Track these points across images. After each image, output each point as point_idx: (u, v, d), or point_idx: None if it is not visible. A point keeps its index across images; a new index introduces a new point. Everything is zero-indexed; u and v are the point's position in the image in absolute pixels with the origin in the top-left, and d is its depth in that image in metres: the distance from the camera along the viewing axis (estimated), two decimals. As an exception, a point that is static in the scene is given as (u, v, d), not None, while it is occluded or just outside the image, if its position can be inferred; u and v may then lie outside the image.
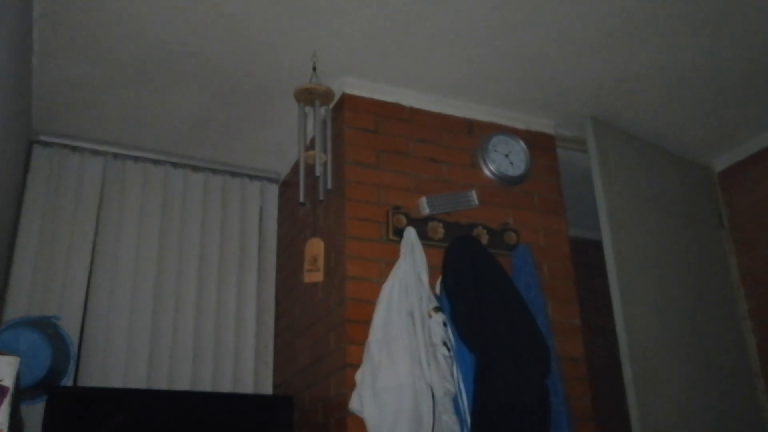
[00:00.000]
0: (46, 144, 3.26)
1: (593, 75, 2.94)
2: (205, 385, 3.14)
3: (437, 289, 2.68)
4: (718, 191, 3.60)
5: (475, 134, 3.09)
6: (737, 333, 3.32)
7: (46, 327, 2.84)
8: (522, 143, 3.11)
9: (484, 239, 2.87)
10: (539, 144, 3.20)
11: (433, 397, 2.41)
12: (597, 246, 3.02)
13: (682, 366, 2.99)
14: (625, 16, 2.61)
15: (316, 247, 2.90)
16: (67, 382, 2.87)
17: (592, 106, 3.14)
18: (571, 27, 2.65)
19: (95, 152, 3.34)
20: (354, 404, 2.45)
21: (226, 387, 3.18)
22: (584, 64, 2.88)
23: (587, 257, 3.32)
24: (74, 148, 3.31)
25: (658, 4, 2.55)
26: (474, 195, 2.94)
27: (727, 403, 3.08)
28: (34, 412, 2.72)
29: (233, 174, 3.58)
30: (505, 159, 3.05)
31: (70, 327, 2.97)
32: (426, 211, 2.83)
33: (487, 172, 3.02)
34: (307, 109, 2.84)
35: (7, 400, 1.75)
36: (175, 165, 3.47)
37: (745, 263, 3.43)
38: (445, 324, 2.57)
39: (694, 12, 2.59)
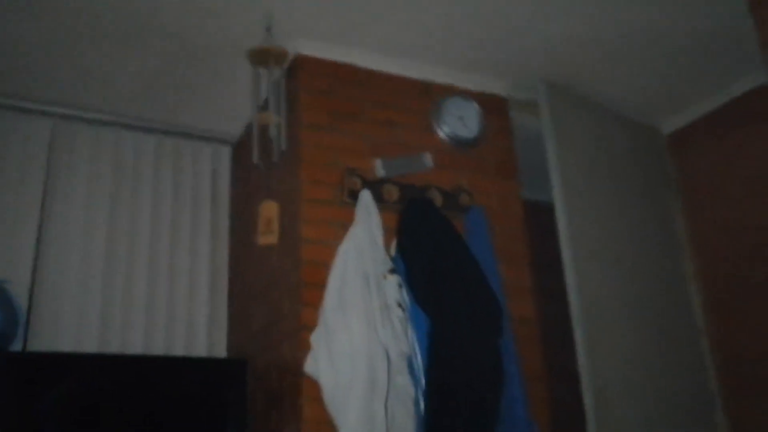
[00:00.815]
0: (-9, 105, 3.16)
1: (546, 37, 2.95)
2: (158, 349, 3.12)
3: (392, 252, 2.69)
4: (668, 154, 3.66)
5: (430, 97, 3.08)
6: (684, 293, 3.41)
7: (-7, 292, 2.79)
8: (476, 105, 3.11)
9: (438, 201, 2.88)
10: (493, 107, 3.20)
11: (388, 358, 2.43)
12: (550, 209, 3.06)
13: (631, 325, 3.07)
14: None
15: (270, 209, 2.88)
16: (16, 347, 2.83)
17: (545, 69, 3.15)
18: (526, -11, 2.66)
19: (43, 113, 3.24)
20: (309, 367, 2.46)
21: (179, 351, 3.16)
22: (537, 26, 2.88)
23: (540, 220, 3.36)
24: (21, 109, 3.20)
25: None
26: (428, 157, 2.94)
27: (673, 361, 3.18)
28: (-19, 378, 2.68)
29: (186, 136, 3.51)
30: (459, 121, 3.05)
31: (18, 291, 2.91)
32: (381, 173, 2.82)
33: (441, 135, 3.02)
34: (261, 70, 2.80)
35: (-50, 365, 1.72)
36: (126, 127, 3.38)
37: (692, 225, 3.51)
38: (400, 285, 2.59)
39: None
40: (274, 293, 2.84)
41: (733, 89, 3.35)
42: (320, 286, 2.54)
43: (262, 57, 2.75)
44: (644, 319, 3.13)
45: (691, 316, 3.39)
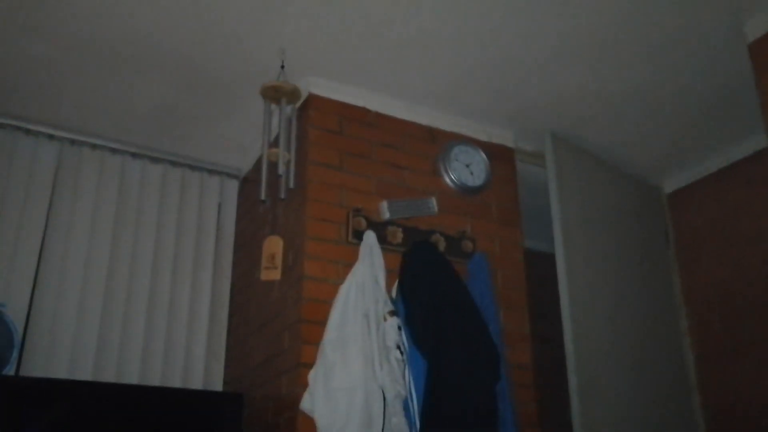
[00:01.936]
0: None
1: (554, 90, 3.02)
2: (154, 380, 3.09)
3: (393, 293, 2.70)
4: (666, 211, 3.73)
5: (437, 142, 3.13)
6: (678, 348, 3.45)
7: (-10, 313, 2.77)
8: (483, 154, 3.16)
9: (442, 246, 2.91)
10: (499, 155, 3.26)
11: (384, 399, 2.43)
12: (547, 258, 3.10)
13: (625, 377, 3.09)
14: (587, 37, 2.69)
15: (274, 245, 2.89)
16: (10, 370, 2.79)
17: (552, 121, 3.22)
18: (535, 43, 2.73)
19: (51, 137, 3.25)
20: (305, 403, 2.45)
21: (175, 382, 3.13)
22: (545, 80, 2.95)
23: (537, 268, 3.39)
24: (28, 131, 3.21)
25: (618, 26, 2.64)
26: (434, 202, 2.98)
27: (665, 414, 3.20)
28: (-28, 401, 2.64)
29: (193, 167, 3.53)
30: (466, 169, 3.11)
31: (15, 314, 2.88)
32: (386, 215, 2.85)
33: (447, 181, 3.07)
34: (273, 106, 2.84)
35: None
36: (133, 155, 3.40)
37: (687, 281, 3.56)
38: (399, 328, 2.59)
39: (651, 36, 2.70)
40: (274, 328, 2.84)
41: (734, 152, 3.43)
42: (321, 323, 2.54)
43: (275, 93, 2.79)
44: (638, 371, 3.16)
45: (684, 369, 3.42)
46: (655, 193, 3.74)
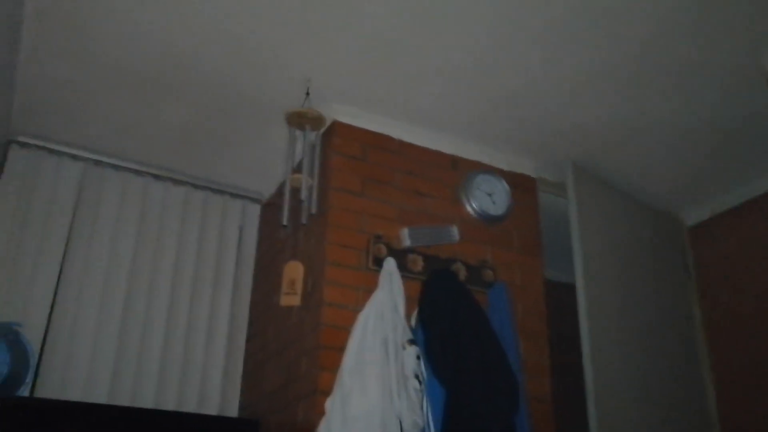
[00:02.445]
0: (23, 145, 3.18)
1: (576, 122, 3.02)
2: (170, 404, 3.06)
3: (413, 321, 2.68)
4: (687, 244, 3.70)
5: (459, 170, 3.13)
6: (698, 382, 3.41)
7: (6, 333, 2.75)
8: (505, 184, 3.16)
9: (462, 275, 2.90)
10: (521, 185, 3.26)
11: (401, 429, 2.40)
12: (568, 288, 3.07)
13: (645, 408, 3.05)
14: (608, 68, 2.70)
15: (294, 270, 2.88)
16: (24, 392, 2.78)
17: (573, 152, 3.22)
18: (557, 73, 2.73)
19: (74, 157, 3.27)
20: (321, 431, 2.42)
21: (191, 407, 3.10)
22: (568, 111, 2.96)
23: (558, 299, 3.36)
24: (52, 151, 3.23)
25: (639, 58, 2.64)
26: (455, 230, 2.97)
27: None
28: (-14, 422, 2.62)
29: (215, 191, 3.54)
30: (488, 198, 3.10)
31: (32, 335, 2.87)
32: (407, 242, 2.84)
33: (469, 209, 3.06)
34: (297, 132, 2.85)
35: (-43, 407, 1.68)
36: (156, 177, 3.42)
37: (708, 314, 3.53)
38: (418, 357, 2.57)
39: (671, 68, 2.70)
40: (291, 354, 2.82)
41: (756, 184, 3.41)
42: (339, 349, 2.52)
43: (299, 120, 2.81)
44: (658, 403, 3.13)
45: (704, 402, 3.38)
46: (677, 225, 3.72)
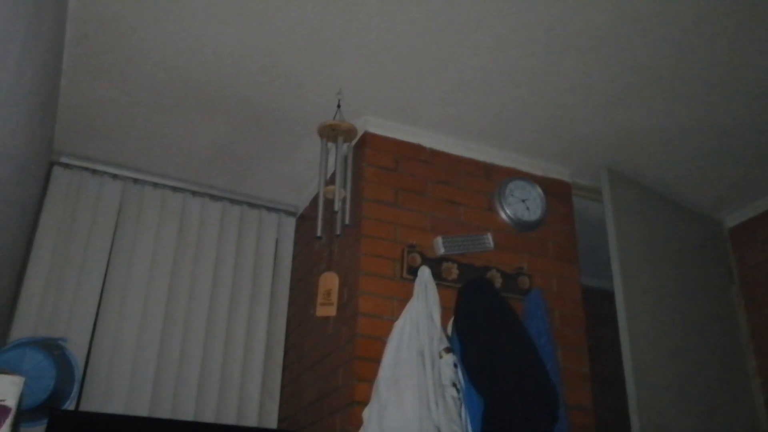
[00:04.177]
0: (67, 166, 3.29)
1: (610, 127, 2.99)
2: (209, 416, 3.11)
3: (449, 330, 2.67)
4: (729, 247, 3.61)
5: (492, 178, 3.12)
6: (745, 389, 3.30)
7: (52, 348, 2.81)
8: (539, 189, 3.14)
9: (498, 282, 2.88)
10: (556, 191, 3.23)
11: (440, 438, 2.39)
12: (605, 295, 3.03)
13: (689, 420, 2.98)
14: (643, 73, 2.67)
15: (330, 281, 2.90)
16: (70, 405, 2.83)
17: (608, 157, 3.19)
18: (591, 80, 2.71)
19: (114, 176, 3.37)
20: (359, 442, 2.43)
21: (230, 419, 3.14)
22: (601, 116, 2.93)
23: (596, 306, 3.32)
24: (94, 171, 3.33)
25: (672, 61, 2.61)
26: (489, 238, 2.95)
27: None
28: (34, 435, 2.69)
29: (251, 205, 3.60)
30: (522, 204, 3.08)
31: (76, 350, 2.94)
32: (441, 251, 2.84)
33: (503, 216, 3.04)
34: (330, 144, 2.88)
35: (8, 421, 1.73)
36: (193, 193, 3.49)
37: (754, 320, 3.43)
38: (455, 365, 2.56)
39: (710, 73, 2.66)
40: (328, 365, 2.83)
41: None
42: (375, 360, 2.53)
43: (331, 132, 2.83)
44: (704, 412, 3.04)
45: (753, 413, 3.27)
46: (717, 227, 3.63)
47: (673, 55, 2.57)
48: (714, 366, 3.22)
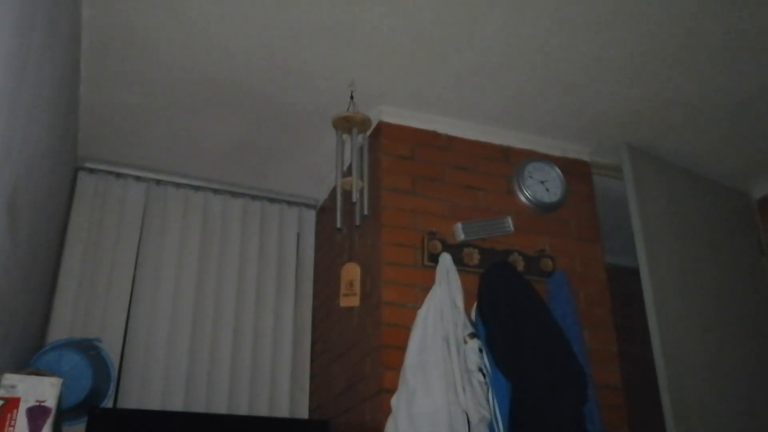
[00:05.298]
0: (91, 170, 3.36)
1: (628, 102, 2.95)
2: (242, 409, 3.17)
3: (473, 315, 2.68)
4: (758, 218, 3.55)
5: (511, 161, 3.11)
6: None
7: (88, 349, 2.89)
8: (558, 170, 3.12)
9: (520, 265, 2.87)
10: (575, 171, 3.20)
11: (469, 423, 2.40)
12: (632, 273, 3.00)
13: (722, 395, 2.94)
14: (659, 45, 2.62)
15: (352, 271, 2.92)
16: (107, 403, 2.91)
17: (628, 133, 3.15)
18: (606, 55, 2.67)
19: (138, 178, 3.43)
20: (389, 430, 2.44)
21: (262, 411, 3.20)
22: (619, 92, 2.89)
23: (622, 284, 3.29)
24: (118, 175, 3.40)
25: (692, 34, 2.56)
26: (509, 221, 2.95)
27: (769, 433, 3.02)
28: (75, 433, 2.78)
29: (272, 200, 3.64)
30: (541, 186, 3.06)
31: (111, 349, 3.01)
32: (461, 237, 2.84)
33: (523, 199, 3.03)
34: (345, 136, 2.89)
35: (49, 421, 1.79)
36: (215, 191, 3.54)
37: (785, 292, 3.37)
38: (480, 350, 2.56)
39: (728, 41, 2.60)
40: (355, 355, 2.86)
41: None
42: (401, 348, 2.54)
43: (345, 124, 2.84)
44: (736, 388, 3.00)
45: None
46: (744, 199, 3.56)
47: (690, 23, 2.51)
48: (747, 340, 3.17)
